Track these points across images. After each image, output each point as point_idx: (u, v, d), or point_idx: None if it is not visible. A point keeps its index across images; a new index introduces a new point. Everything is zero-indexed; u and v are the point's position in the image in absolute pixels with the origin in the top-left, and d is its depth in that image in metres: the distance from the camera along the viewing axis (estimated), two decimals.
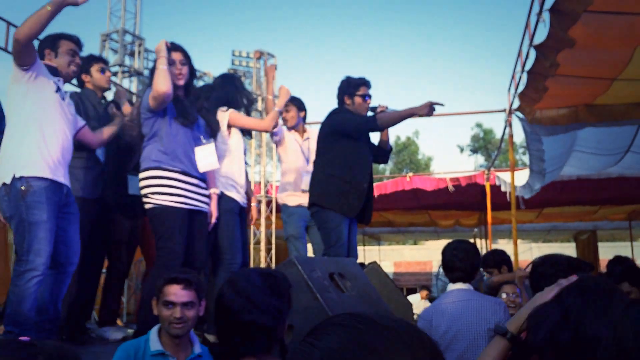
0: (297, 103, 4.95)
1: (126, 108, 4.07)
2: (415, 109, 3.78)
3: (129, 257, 4.29)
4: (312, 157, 4.75)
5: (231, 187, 3.84)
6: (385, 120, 3.89)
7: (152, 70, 3.38)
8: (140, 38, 10.70)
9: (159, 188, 3.24)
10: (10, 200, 2.93)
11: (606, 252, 18.83)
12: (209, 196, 3.52)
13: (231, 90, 4.01)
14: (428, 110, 3.74)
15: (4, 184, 2.95)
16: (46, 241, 2.93)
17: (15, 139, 3.02)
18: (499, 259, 4.28)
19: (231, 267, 3.66)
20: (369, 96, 4.19)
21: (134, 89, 10.50)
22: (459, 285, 3.02)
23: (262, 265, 11.86)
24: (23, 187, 2.90)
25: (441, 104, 3.78)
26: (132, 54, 10.59)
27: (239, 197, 3.87)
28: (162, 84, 3.19)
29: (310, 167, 4.80)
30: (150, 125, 3.34)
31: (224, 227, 3.73)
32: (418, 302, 10.65)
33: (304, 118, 5.05)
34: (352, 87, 4.17)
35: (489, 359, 1.49)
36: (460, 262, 3.01)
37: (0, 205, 2.99)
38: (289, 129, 5.00)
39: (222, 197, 3.75)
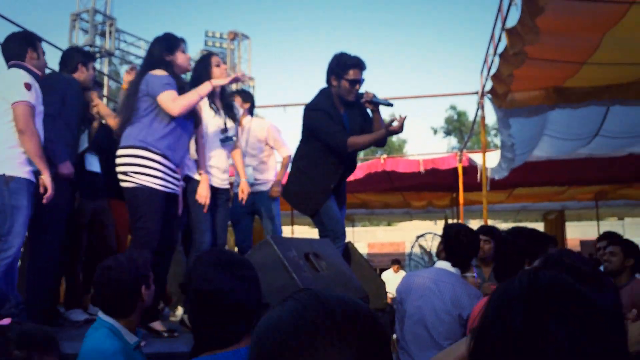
0: (242, 95, 5.04)
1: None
2: (386, 130, 3.74)
3: (90, 240, 4.27)
4: (249, 150, 4.81)
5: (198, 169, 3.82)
6: (355, 144, 3.81)
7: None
8: (112, 18, 10.45)
9: (142, 168, 3.24)
10: None
11: (573, 231, 19.30)
12: (179, 180, 3.57)
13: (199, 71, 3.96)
14: (399, 126, 3.69)
15: None
16: (25, 226, 3.14)
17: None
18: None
19: (200, 247, 3.68)
20: (359, 82, 3.87)
21: (105, 69, 10.32)
22: (448, 267, 3.05)
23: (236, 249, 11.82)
24: (6, 175, 3.12)
25: (404, 117, 3.73)
26: (102, 34, 10.36)
27: (211, 178, 3.83)
28: (180, 109, 3.30)
29: (245, 160, 4.72)
30: (150, 103, 3.34)
31: (192, 208, 3.75)
32: (392, 277, 10.82)
33: (250, 110, 5.03)
34: (341, 67, 3.86)
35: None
36: (461, 248, 3.03)
37: None
38: None
39: (190, 180, 3.76)
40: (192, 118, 3.52)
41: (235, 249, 5.09)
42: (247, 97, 5.05)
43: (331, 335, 0.74)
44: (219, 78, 3.70)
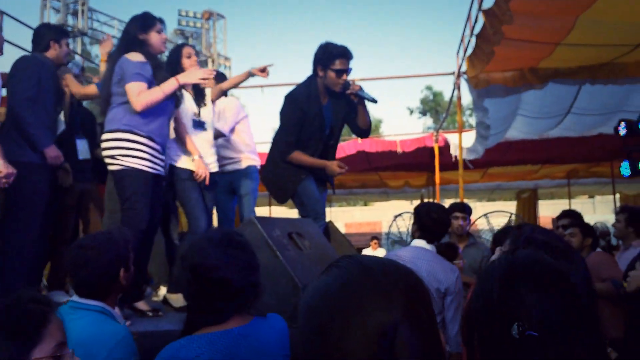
0: (215, 77, 4.89)
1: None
2: (326, 164, 3.83)
3: (76, 222, 4.27)
4: (223, 127, 4.70)
5: (181, 156, 3.83)
6: (296, 160, 3.87)
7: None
8: None
9: (128, 151, 3.25)
10: None
11: (546, 209, 19.69)
12: (164, 161, 3.57)
13: (171, 60, 3.97)
14: (334, 170, 3.78)
15: None
16: None
17: None
18: None
19: (196, 231, 3.70)
20: (346, 71, 3.83)
21: (78, 49, 10.13)
22: (424, 244, 3.19)
23: None
24: None
25: (345, 169, 3.84)
26: (75, 14, 10.14)
27: (192, 165, 3.83)
28: (142, 107, 3.26)
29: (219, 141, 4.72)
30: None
31: (180, 194, 3.79)
32: (370, 254, 10.96)
33: (223, 91, 4.85)
34: (327, 58, 3.82)
35: None
36: (434, 224, 3.17)
37: None
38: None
39: (176, 169, 3.78)
40: (172, 98, 3.51)
41: None
42: (220, 78, 4.91)
43: (377, 296, 0.79)
44: (188, 69, 3.74)
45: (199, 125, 3.96)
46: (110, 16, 11.26)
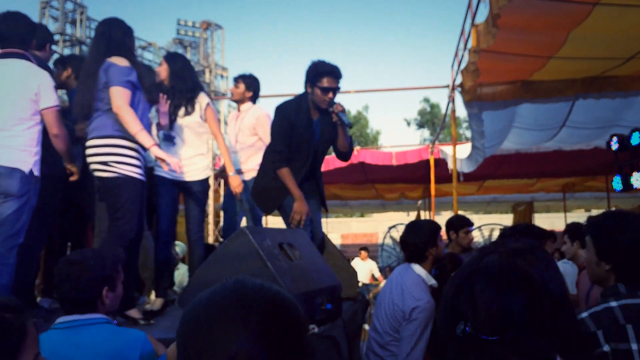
0: (247, 81, 4.85)
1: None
2: (297, 196, 3.74)
3: (62, 230, 4.27)
4: (241, 136, 4.75)
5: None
6: (282, 177, 3.81)
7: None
8: (82, 5, 10.29)
9: (122, 157, 3.21)
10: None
11: (542, 222, 19.68)
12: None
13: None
14: (297, 215, 3.73)
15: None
16: None
17: None
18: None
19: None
20: (332, 90, 3.84)
21: None
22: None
23: (211, 238, 11.85)
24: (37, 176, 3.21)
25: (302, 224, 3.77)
26: (73, 22, 10.19)
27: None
28: (122, 115, 3.19)
29: (237, 146, 4.78)
30: None
31: (193, 205, 3.99)
32: (360, 264, 10.71)
33: (252, 99, 4.90)
34: (315, 75, 3.85)
35: None
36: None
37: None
38: (233, 101, 5.04)
39: (199, 181, 3.94)
40: (149, 106, 3.51)
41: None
42: (251, 85, 4.87)
43: (236, 313, 0.82)
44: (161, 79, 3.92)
45: (168, 138, 3.94)
46: None
